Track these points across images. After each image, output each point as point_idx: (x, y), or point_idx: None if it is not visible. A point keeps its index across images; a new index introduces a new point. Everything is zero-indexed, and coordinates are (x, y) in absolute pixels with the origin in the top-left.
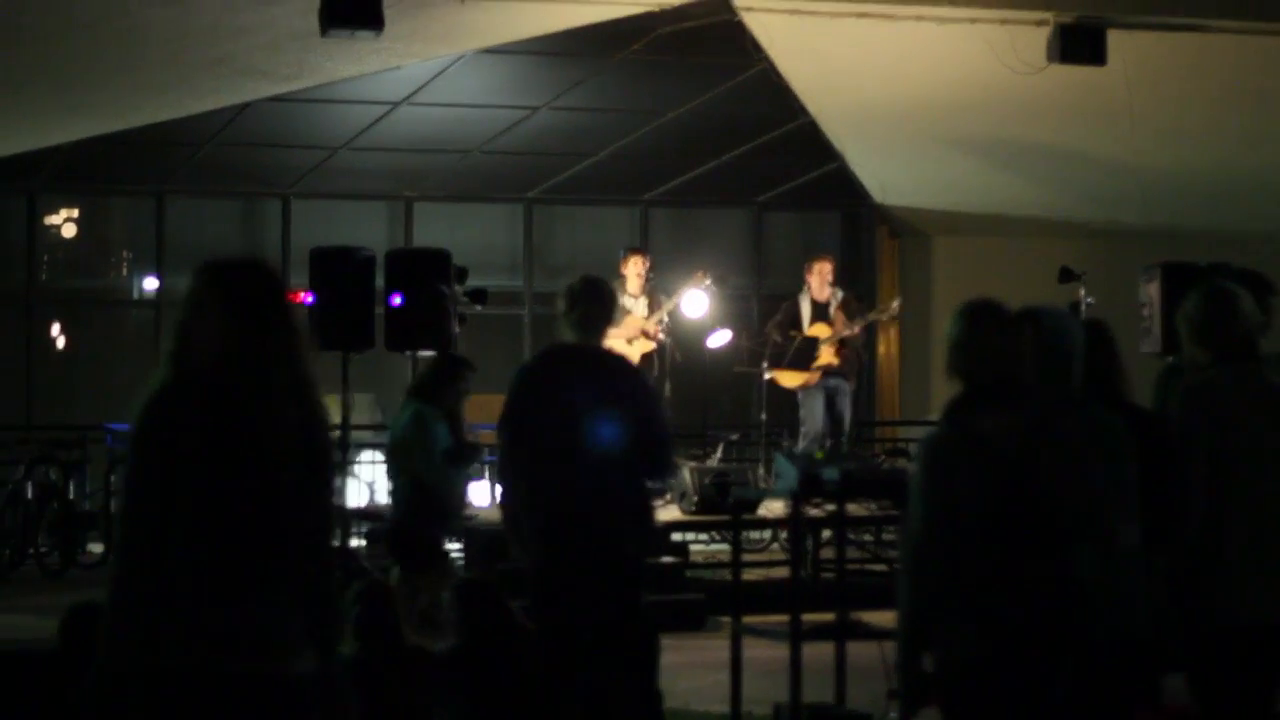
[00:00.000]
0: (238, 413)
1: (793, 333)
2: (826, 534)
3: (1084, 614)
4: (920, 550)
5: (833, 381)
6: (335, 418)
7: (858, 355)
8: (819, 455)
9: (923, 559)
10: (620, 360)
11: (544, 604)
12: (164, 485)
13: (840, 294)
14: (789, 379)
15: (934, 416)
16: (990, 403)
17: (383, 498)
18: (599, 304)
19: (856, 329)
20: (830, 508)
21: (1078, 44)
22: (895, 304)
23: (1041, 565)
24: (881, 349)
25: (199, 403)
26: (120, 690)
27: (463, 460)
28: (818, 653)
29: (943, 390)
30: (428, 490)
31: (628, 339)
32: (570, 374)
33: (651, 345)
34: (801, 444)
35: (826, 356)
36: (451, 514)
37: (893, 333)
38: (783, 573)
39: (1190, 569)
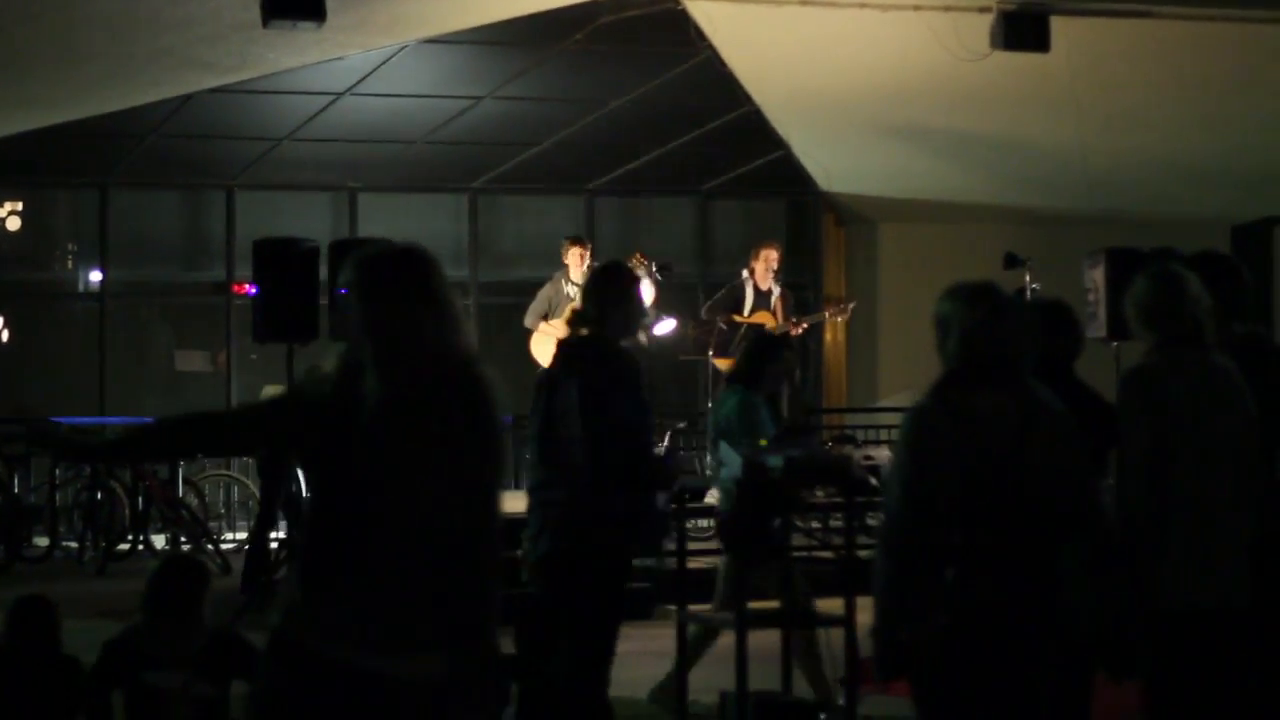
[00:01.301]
0: (385, 407)
1: (735, 316)
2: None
3: (1063, 598)
4: (898, 522)
5: None
6: None
7: (803, 345)
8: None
9: (901, 531)
10: (589, 352)
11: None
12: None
13: (779, 288)
14: (724, 363)
15: (882, 402)
16: (980, 382)
17: None
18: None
19: (803, 327)
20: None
21: (1021, 31)
22: (850, 307)
23: (1021, 546)
24: (829, 336)
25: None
26: (276, 661)
27: (791, 446)
28: (764, 640)
29: (890, 376)
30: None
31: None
32: (554, 366)
33: None
34: None
35: None
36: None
37: (840, 319)
38: None
39: (1131, 554)
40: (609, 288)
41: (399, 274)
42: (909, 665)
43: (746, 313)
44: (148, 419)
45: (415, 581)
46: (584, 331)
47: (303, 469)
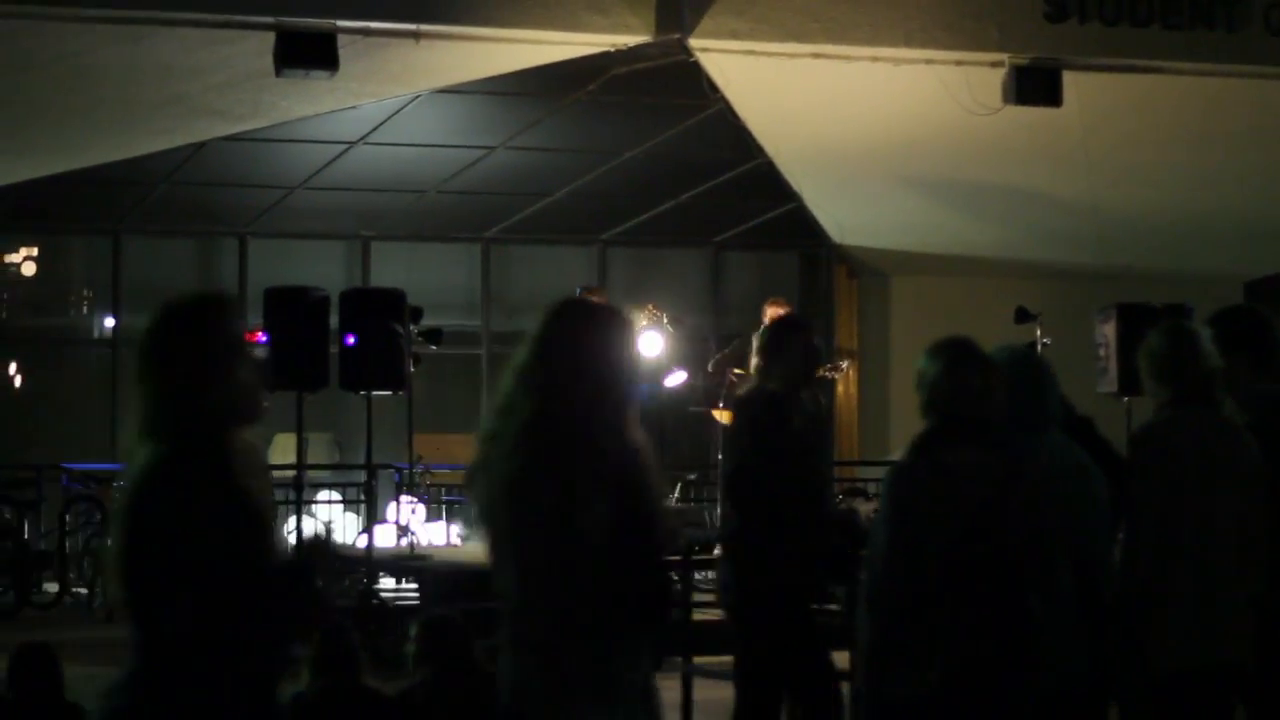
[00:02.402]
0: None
1: (739, 370)
2: None
3: (1037, 652)
4: (881, 579)
5: None
6: (290, 457)
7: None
8: None
9: (884, 588)
10: (735, 402)
11: None
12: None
13: None
14: (722, 414)
15: (894, 456)
16: (962, 439)
17: (340, 537)
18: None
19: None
20: None
21: (1033, 85)
22: (845, 364)
23: (999, 602)
24: (840, 389)
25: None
26: None
27: None
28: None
29: (902, 430)
30: None
31: None
32: None
33: None
34: None
35: None
36: None
37: (851, 373)
38: None
39: (1135, 611)
40: (766, 341)
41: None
42: None
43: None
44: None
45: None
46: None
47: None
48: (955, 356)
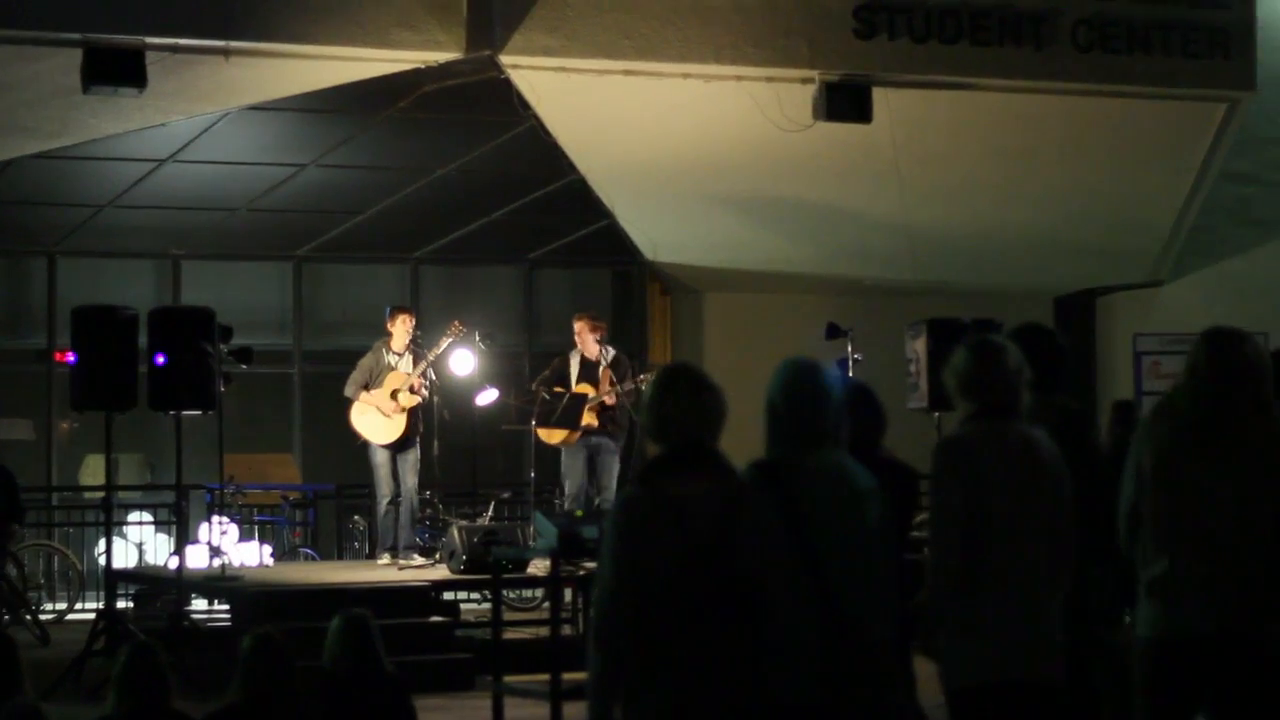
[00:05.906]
0: None
1: (558, 389)
2: None
3: (768, 679)
4: (608, 610)
5: (594, 440)
6: (100, 478)
7: (626, 414)
8: (579, 514)
9: (610, 619)
10: None
11: None
12: None
13: (611, 353)
14: (551, 436)
15: None
16: (684, 467)
17: (152, 559)
18: None
19: (618, 395)
20: (592, 565)
21: (843, 102)
22: (644, 377)
23: (727, 631)
24: None
25: None
26: None
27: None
28: (582, 711)
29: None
30: None
31: (391, 393)
32: None
33: (416, 399)
34: (567, 503)
35: (587, 417)
36: None
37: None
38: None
39: (942, 625)
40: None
41: None
42: None
43: (574, 385)
44: None
45: None
46: None
47: None
48: (664, 384)
